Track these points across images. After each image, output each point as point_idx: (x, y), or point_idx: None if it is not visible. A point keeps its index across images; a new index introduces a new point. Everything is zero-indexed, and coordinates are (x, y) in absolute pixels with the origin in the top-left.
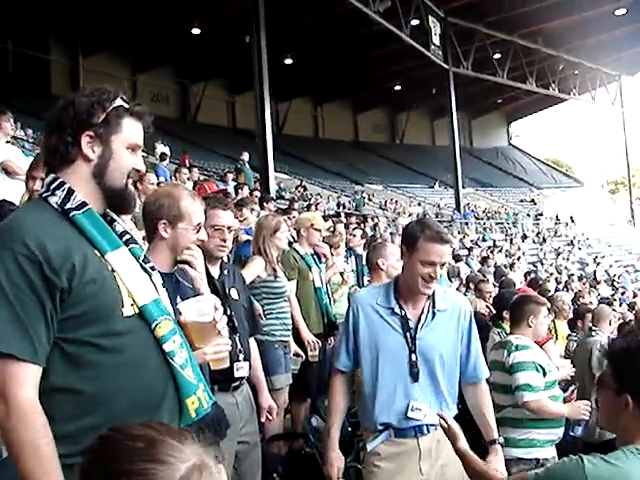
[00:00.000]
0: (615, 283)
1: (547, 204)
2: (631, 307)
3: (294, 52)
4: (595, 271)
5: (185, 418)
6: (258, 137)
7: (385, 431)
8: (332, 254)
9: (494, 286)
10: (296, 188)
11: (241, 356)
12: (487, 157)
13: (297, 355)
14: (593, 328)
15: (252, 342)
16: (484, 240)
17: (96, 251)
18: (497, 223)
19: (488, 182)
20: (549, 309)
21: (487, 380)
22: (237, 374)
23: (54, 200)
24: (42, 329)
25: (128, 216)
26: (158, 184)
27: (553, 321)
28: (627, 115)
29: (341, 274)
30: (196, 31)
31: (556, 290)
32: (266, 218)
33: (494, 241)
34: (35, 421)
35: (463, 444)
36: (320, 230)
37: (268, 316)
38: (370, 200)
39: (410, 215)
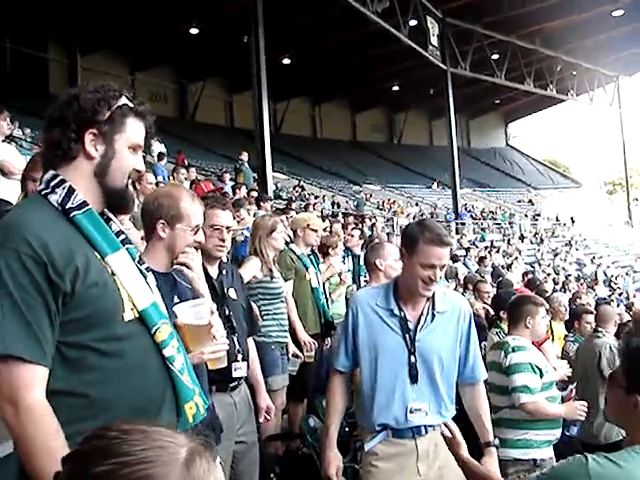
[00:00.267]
0: (612, 284)
1: (545, 205)
2: (628, 308)
3: (292, 52)
4: (596, 272)
5: (183, 423)
6: (256, 137)
7: (383, 431)
8: (330, 254)
9: (492, 286)
10: (294, 188)
11: (239, 356)
12: (485, 157)
13: (295, 356)
14: (599, 329)
15: (250, 342)
16: (482, 240)
17: (96, 253)
18: (495, 223)
19: (486, 182)
20: (547, 310)
21: (484, 381)
22: (235, 374)
23: (54, 198)
24: (48, 331)
25: (126, 215)
26: (156, 184)
27: (550, 322)
28: (625, 116)
29: (339, 274)
30: (194, 31)
31: (554, 291)
32: (262, 218)
33: (492, 242)
34: (46, 424)
35: (465, 452)
36: (316, 230)
37: (265, 317)
38: (367, 200)
39: (408, 215)
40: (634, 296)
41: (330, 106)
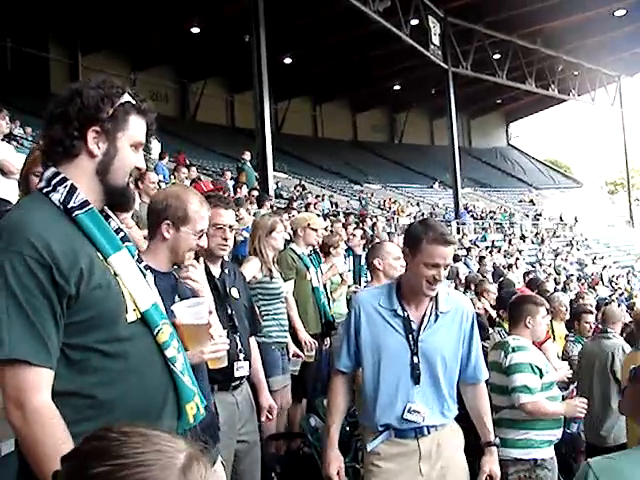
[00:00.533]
0: (613, 284)
1: (546, 205)
2: (630, 308)
3: (293, 51)
4: (602, 274)
5: (183, 423)
6: (257, 136)
7: (385, 431)
8: (331, 254)
9: (493, 286)
10: (295, 187)
11: (241, 355)
12: (486, 157)
13: (296, 356)
14: (608, 330)
15: (252, 341)
16: (484, 240)
17: (99, 253)
18: (496, 223)
19: (487, 182)
20: (547, 309)
21: (485, 381)
22: (237, 374)
23: (56, 197)
24: (53, 333)
25: (129, 213)
26: (158, 183)
27: (551, 322)
28: (626, 116)
29: (340, 274)
30: (195, 30)
31: (555, 291)
32: (262, 218)
33: (493, 242)
34: (54, 426)
35: None
36: (317, 230)
37: (265, 317)
38: (369, 200)
39: (409, 215)
40: (636, 296)
41: (331, 106)
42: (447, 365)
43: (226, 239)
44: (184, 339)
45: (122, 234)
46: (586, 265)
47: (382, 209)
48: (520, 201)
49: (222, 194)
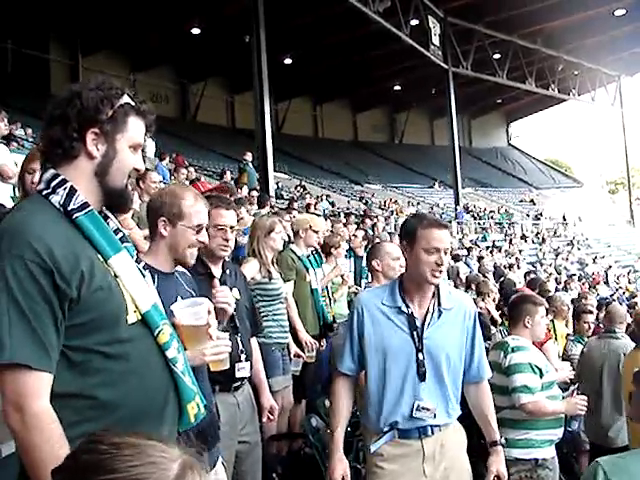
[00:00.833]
0: (615, 283)
1: (547, 204)
2: (631, 307)
3: (293, 52)
4: (607, 273)
5: (184, 423)
6: (257, 137)
7: (389, 432)
8: (333, 254)
9: (494, 286)
10: (295, 188)
11: (242, 356)
12: (486, 157)
13: (298, 356)
14: (617, 330)
15: (254, 342)
16: (484, 240)
17: (99, 255)
18: (496, 223)
19: (487, 182)
20: (547, 309)
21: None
22: (238, 374)
23: (56, 199)
24: (54, 337)
25: (128, 214)
26: (158, 183)
27: (552, 321)
28: (626, 115)
29: (341, 275)
30: (196, 31)
31: (556, 290)
32: (260, 219)
33: (493, 241)
34: (52, 432)
35: None
36: (318, 232)
37: (264, 318)
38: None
39: (408, 215)
40: (636, 295)
41: (331, 106)
42: (451, 362)
43: (227, 240)
44: (183, 339)
45: (121, 234)
46: (587, 265)
47: (383, 209)
48: (521, 201)
49: (223, 195)
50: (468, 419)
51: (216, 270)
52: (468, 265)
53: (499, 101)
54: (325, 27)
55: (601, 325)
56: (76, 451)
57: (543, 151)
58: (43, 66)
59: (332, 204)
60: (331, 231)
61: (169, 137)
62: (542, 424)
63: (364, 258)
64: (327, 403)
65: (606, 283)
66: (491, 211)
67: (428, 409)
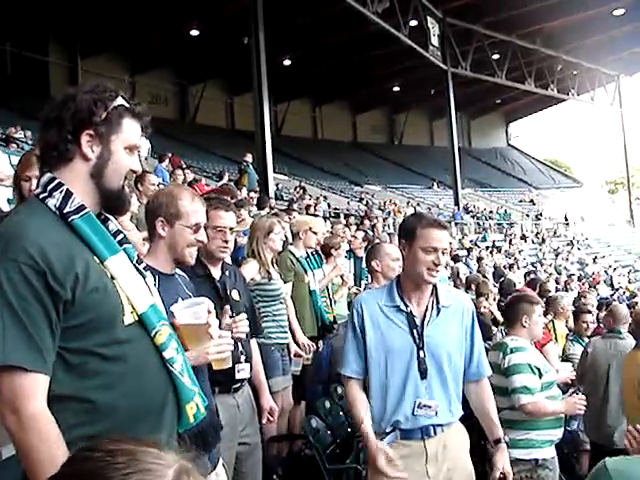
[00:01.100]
0: (615, 283)
1: (546, 204)
2: (631, 307)
3: (293, 53)
4: (612, 277)
5: (184, 424)
6: (257, 138)
7: (392, 433)
8: (332, 255)
9: (494, 286)
10: (295, 189)
11: (242, 358)
12: (486, 158)
13: (298, 356)
14: (621, 330)
15: (253, 343)
16: (484, 240)
17: (95, 257)
18: (496, 223)
19: (487, 183)
20: (547, 309)
21: None
22: (238, 376)
23: (52, 203)
24: (49, 339)
25: (127, 216)
26: (157, 185)
27: (552, 321)
28: (626, 115)
29: (341, 275)
30: (195, 32)
31: (556, 290)
32: (260, 220)
33: (494, 242)
34: (49, 433)
35: None
36: (317, 233)
37: (264, 319)
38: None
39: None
40: (636, 295)
41: (331, 107)
42: (452, 359)
43: (227, 241)
44: (183, 339)
45: (121, 236)
46: (587, 264)
47: (382, 210)
48: (520, 201)
49: (223, 196)
50: (469, 419)
51: (215, 271)
52: (468, 265)
53: (498, 101)
54: (324, 28)
55: (602, 325)
56: (71, 459)
57: (542, 151)
58: (42, 68)
59: (329, 205)
60: (331, 232)
61: (168, 139)
62: (542, 424)
63: (364, 259)
64: (327, 404)
65: (611, 285)
66: (491, 211)
67: (429, 406)
